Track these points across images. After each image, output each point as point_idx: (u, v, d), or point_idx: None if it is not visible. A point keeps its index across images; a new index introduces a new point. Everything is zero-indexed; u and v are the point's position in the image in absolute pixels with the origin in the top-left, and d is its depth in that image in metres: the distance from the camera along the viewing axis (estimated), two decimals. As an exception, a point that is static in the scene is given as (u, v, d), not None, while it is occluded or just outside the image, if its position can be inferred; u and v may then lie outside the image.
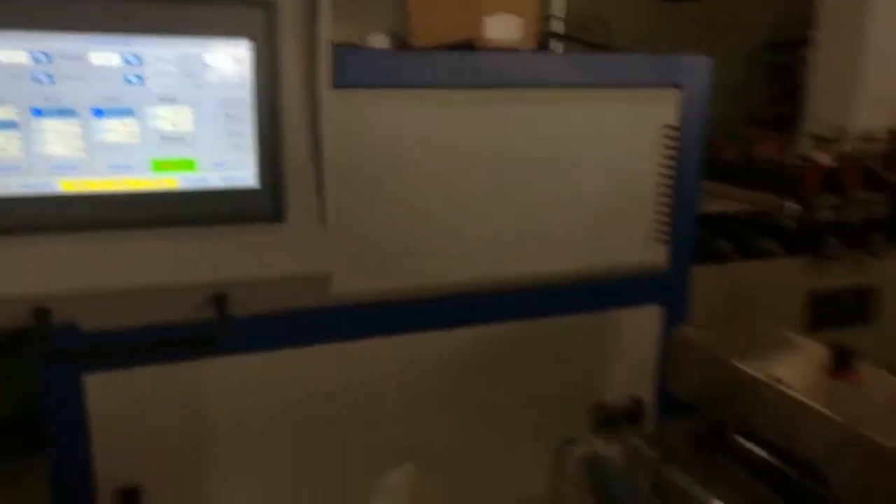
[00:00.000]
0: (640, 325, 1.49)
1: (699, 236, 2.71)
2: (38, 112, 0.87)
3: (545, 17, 2.21)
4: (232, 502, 1.36)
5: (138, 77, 0.89)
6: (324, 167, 0.98)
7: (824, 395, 1.03)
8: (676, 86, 1.43)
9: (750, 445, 1.11)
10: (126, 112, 0.89)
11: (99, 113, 0.88)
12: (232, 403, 1.30)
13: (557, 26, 2.39)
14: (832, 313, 2.67)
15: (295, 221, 0.98)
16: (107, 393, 1.19)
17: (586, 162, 1.41)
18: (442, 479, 1.39)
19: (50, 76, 0.86)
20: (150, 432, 1.25)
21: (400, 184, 1.29)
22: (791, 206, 2.69)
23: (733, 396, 1.13)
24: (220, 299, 0.97)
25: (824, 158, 2.76)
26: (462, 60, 1.32)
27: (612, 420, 1.24)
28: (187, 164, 0.92)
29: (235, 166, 0.94)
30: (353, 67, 1.20)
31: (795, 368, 1.11)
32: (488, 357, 1.45)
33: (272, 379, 1.31)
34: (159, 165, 0.91)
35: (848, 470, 0.96)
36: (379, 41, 1.44)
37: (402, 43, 1.48)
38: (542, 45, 1.62)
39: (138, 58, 0.88)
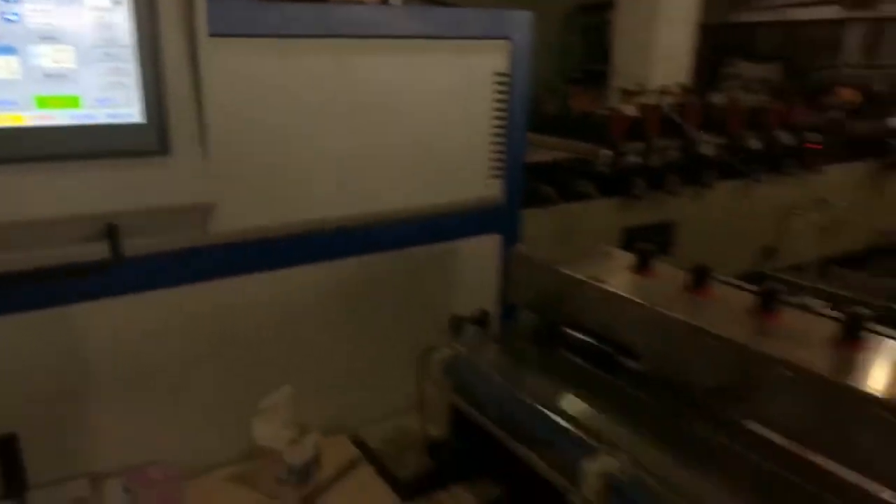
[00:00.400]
0: (484, 251, 1.70)
1: (527, 183, 2.99)
2: (-86, 49, 0.87)
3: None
4: (114, 443, 1.41)
5: (16, 14, 0.91)
6: (204, 104, 1.06)
7: (633, 288, 1.28)
8: (505, 38, 1.62)
9: (578, 335, 1.35)
10: (6, 50, 0.91)
11: (-23, 50, 0.90)
12: (111, 345, 1.34)
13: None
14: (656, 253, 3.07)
15: (179, 154, 1.05)
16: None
17: (430, 106, 1.57)
18: (321, 396, 1.53)
19: (-79, 13, 0.86)
20: (24, 379, 1.27)
21: (268, 127, 1.37)
22: (604, 153, 3.02)
23: (562, 297, 1.37)
24: (111, 230, 1.02)
25: (629, 109, 3.13)
26: (314, 12, 1.41)
27: (464, 328, 1.44)
28: (71, 101, 0.96)
29: (120, 103, 0.99)
30: (214, 17, 1.25)
31: (610, 270, 1.36)
32: (356, 285, 1.59)
33: (152, 318, 1.36)
34: (44, 102, 0.94)
35: (653, 344, 1.22)
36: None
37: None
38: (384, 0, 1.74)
39: (14, -4, 0.91)
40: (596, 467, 1.04)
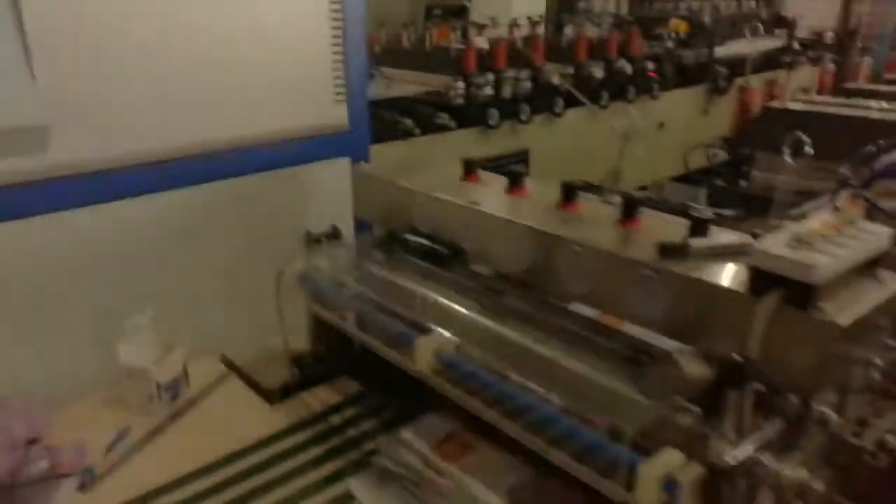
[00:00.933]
0: (336, 173, 1.81)
1: (387, 117, 3.10)
2: None
3: None
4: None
5: None
6: (26, 22, 1.07)
7: (459, 192, 1.44)
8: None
9: (416, 239, 1.49)
10: None
11: None
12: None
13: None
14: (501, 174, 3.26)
15: (2, 76, 1.07)
16: None
17: (265, 32, 1.62)
18: (186, 320, 1.60)
19: None
20: None
21: (101, 51, 1.39)
22: (458, 85, 3.17)
23: (401, 208, 1.51)
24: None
25: (481, 42, 3.28)
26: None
27: (317, 244, 1.56)
28: None
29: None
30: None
31: (439, 180, 1.52)
32: (213, 211, 1.67)
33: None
34: None
35: (475, 238, 1.38)
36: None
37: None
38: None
39: None
40: (429, 343, 1.21)
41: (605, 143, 3.54)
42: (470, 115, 3.18)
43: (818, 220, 1.00)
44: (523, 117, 3.27)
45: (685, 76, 3.88)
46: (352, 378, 1.62)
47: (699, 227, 1.14)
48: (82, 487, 1.31)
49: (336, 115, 1.78)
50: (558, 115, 3.40)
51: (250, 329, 1.75)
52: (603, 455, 0.95)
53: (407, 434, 1.36)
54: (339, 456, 1.38)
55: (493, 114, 3.17)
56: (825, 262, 0.90)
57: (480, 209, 1.34)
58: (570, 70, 3.49)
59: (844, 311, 0.91)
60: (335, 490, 1.30)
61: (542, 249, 1.25)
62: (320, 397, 1.57)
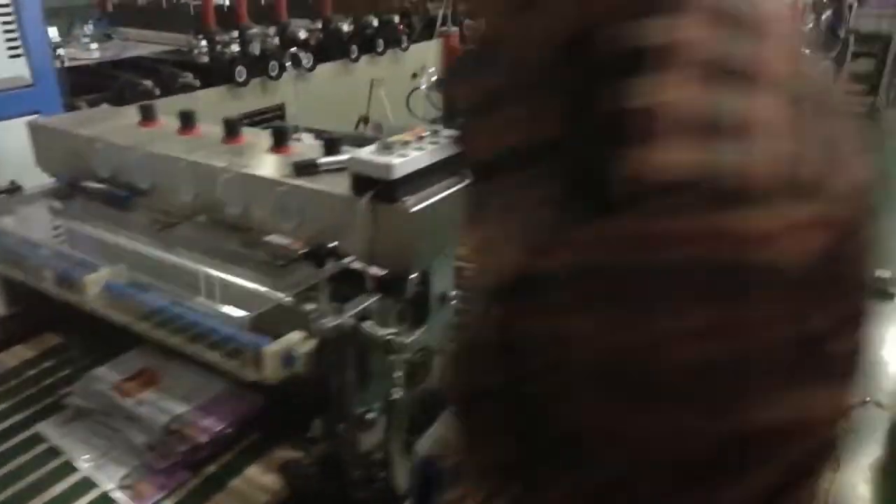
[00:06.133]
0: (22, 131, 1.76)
1: (125, 79, 3.00)
2: None
3: None
4: None
5: None
6: None
7: (132, 137, 1.49)
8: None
9: (94, 185, 1.52)
10: None
11: None
12: None
13: None
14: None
15: None
16: None
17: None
18: None
19: None
20: None
21: None
22: (201, 44, 3.14)
23: (80, 156, 1.53)
24: None
25: (217, -2, 3.25)
26: None
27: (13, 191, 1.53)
28: None
29: None
30: None
31: (116, 128, 1.55)
32: None
33: None
34: None
35: (149, 177, 1.44)
36: None
37: None
38: None
39: None
40: (94, 278, 1.25)
41: (360, 94, 3.67)
42: (216, 73, 3.17)
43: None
44: (273, 73, 3.31)
45: (433, 29, 4.09)
46: (54, 332, 1.62)
47: (332, 147, 1.28)
48: None
49: (14, 70, 1.72)
50: (310, 69, 3.48)
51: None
52: (239, 344, 1.07)
53: (99, 371, 1.40)
54: (30, 405, 1.38)
55: (242, 71, 3.18)
56: (399, 161, 1.08)
57: (149, 150, 1.40)
58: (318, 25, 3.58)
59: (421, 201, 1.10)
60: (22, 436, 1.30)
61: (203, 179, 1.34)
62: (18, 355, 1.55)
